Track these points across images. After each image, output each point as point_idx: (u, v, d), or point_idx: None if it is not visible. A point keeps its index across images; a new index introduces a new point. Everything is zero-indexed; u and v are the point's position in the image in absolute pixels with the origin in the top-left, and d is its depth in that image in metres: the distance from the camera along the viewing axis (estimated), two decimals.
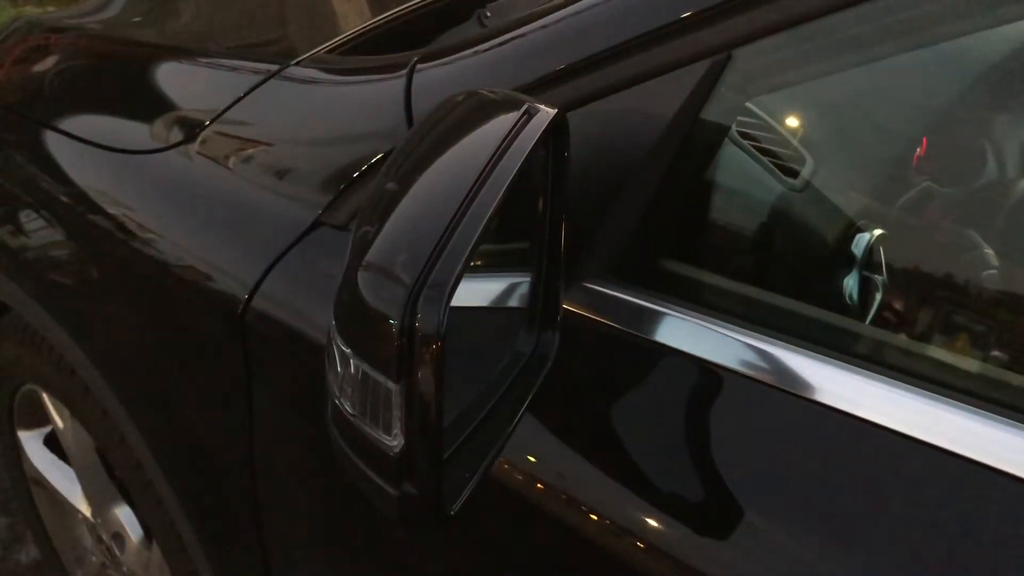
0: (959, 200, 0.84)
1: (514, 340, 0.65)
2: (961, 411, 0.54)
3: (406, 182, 0.53)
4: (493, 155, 0.52)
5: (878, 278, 0.75)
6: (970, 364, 0.66)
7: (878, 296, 0.75)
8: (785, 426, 0.60)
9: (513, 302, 0.65)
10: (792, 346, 0.61)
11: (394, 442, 0.49)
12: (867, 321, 0.73)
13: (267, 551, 0.94)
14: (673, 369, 0.65)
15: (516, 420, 0.60)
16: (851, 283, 0.76)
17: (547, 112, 0.57)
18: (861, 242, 0.76)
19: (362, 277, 0.48)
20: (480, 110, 0.59)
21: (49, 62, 1.30)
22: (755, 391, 0.61)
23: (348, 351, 0.50)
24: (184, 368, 0.93)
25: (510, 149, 0.53)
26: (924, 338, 0.69)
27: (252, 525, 0.92)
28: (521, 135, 0.54)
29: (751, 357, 0.62)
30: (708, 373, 0.63)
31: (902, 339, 0.70)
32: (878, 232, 0.77)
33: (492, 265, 0.65)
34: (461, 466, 0.55)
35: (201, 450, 0.96)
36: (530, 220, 0.63)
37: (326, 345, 0.52)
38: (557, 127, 0.59)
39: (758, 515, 0.58)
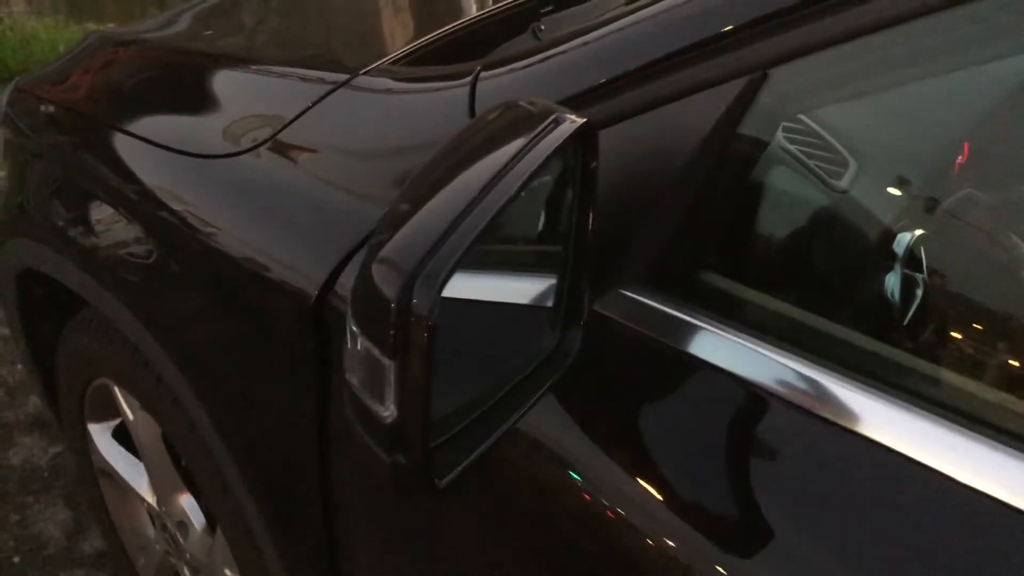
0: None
1: (539, 337, 0.68)
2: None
3: (428, 192, 0.57)
4: (511, 159, 0.56)
5: (934, 305, 0.72)
6: None
7: (936, 328, 0.72)
8: (822, 455, 0.60)
9: (542, 302, 0.68)
10: (834, 372, 0.61)
11: (386, 413, 0.54)
12: (921, 355, 0.69)
13: (335, 537, 0.98)
14: (703, 383, 0.67)
15: (524, 410, 0.63)
16: (904, 310, 0.73)
17: (573, 121, 0.60)
18: (916, 263, 0.73)
19: (375, 268, 0.53)
20: (513, 120, 0.63)
21: (124, 73, 1.37)
22: (789, 414, 0.61)
23: (356, 331, 0.55)
24: (258, 360, 0.98)
25: (529, 154, 0.57)
26: (983, 378, 0.66)
27: (320, 511, 0.97)
28: (542, 142, 0.58)
29: (788, 378, 0.62)
30: (739, 390, 0.64)
31: (958, 376, 0.66)
32: (931, 250, 0.74)
33: (526, 265, 0.69)
34: (462, 444, 0.59)
35: (271, 437, 1.01)
36: (561, 225, 0.66)
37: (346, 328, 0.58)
38: (585, 136, 0.62)
39: (785, 544, 0.59)
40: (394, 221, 0.55)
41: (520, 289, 0.68)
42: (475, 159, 0.58)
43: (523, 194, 0.56)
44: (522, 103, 0.64)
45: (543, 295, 0.68)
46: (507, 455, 0.74)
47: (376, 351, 0.53)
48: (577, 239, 0.65)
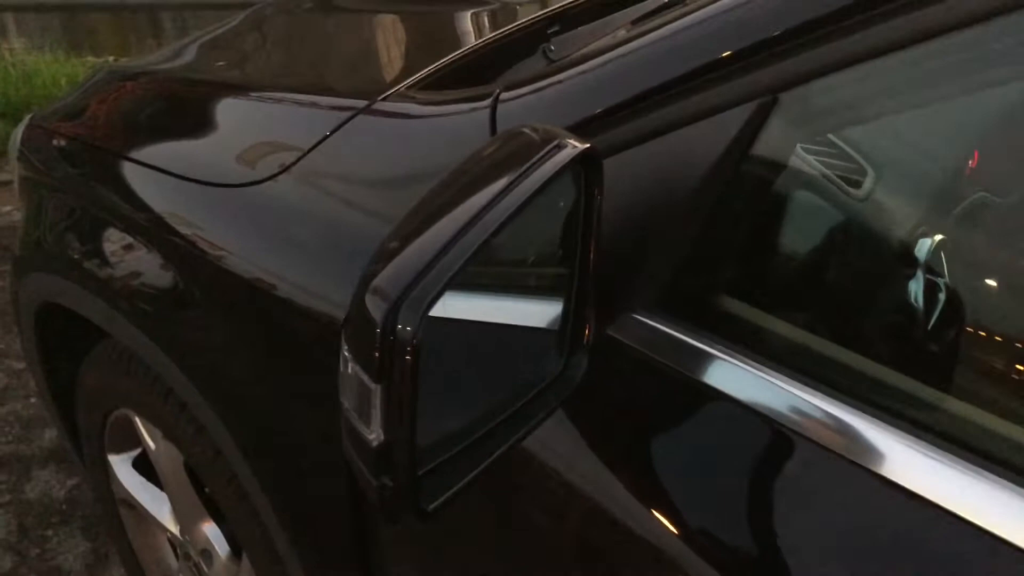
0: None
1: (544, 361, 0.69)
2: None
3: (423, 223, 0.58)
4: (508, 185, 0.57)
5: (964, 339, 0.69)
6: None
7: (964, 363, 0.69)
8: (837, 493, 0.60)
9: (550, 326, 0.69)
10: (851, 405, 0.61)
11: (372, 435, 0.55)
12: (948, 391, 0.66)
13: (368, 563, 0.99)
14: (715, 412, 0.67)
15: (523, 435, 0.64)
16: (930, 342, 0.71)
17: (575, 147, 0.61)
18: (941, 293, 0.70)
19: (367, 297, 0.55)
20: (516, 147, 0.64)
21: (137, 105, 1.39)
22: (801, 447, 0.61)
23: (348, 356, 0.56)
24: (286, 385, 0.99)
25: (526, 179, 0.58)
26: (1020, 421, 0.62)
27: (352, 536, 0.97)
28: (542, 167, 0.59)
29: (804, 409, 0.62)
30: (753, 421, 0.64)
31: (991, 418, 0.62)
32: (957, 282, 0.71)
33: (533, 289, 0.69)
34: (457, 468, 0.60)
35: (301, 462, 1.02)
36: (568, 250, 0.67)
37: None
38: (588, 161, 0.62)
39: None
40: (388, 252, 0.56)
41: (527, 313, 0.69)
42: (472, 186, 0.59)
43: (527, 219, 0.57)
44: (525, 129, 0.65)
45: (550, 319, 0.68)
46: (523, 479, 0.74)
47: (364, 375, 0.54)
48: (582, 263, 0.66)
